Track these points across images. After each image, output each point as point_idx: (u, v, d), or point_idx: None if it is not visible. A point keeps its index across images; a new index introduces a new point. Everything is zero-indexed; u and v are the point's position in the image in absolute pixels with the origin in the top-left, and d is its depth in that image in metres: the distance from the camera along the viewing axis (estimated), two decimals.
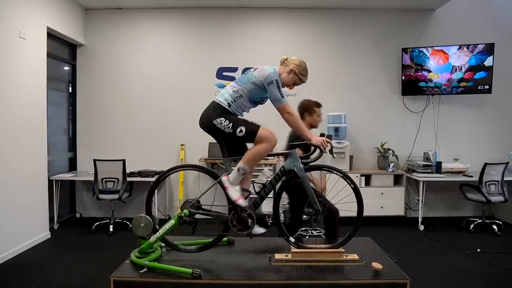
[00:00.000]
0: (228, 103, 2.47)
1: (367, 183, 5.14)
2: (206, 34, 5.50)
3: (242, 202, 2.46)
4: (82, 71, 5.52)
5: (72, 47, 5.43)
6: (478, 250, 3.95)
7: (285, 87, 2.62)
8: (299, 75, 2.53)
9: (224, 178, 2.49)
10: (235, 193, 2.47)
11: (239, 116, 2.54)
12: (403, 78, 5.36)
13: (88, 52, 5.49)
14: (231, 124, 2.41)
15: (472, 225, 4.79)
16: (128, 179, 4.79)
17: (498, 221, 4.86)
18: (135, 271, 2.28)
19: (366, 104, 5.52)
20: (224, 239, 2.70)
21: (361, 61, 5.51)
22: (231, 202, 2.54)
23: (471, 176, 4.89)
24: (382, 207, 5.05)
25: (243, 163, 2.45)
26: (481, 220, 4.85)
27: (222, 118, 2.43)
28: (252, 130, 2.42)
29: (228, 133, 2.42)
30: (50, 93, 4.80)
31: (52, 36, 4.76)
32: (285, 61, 2.56)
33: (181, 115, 5.41)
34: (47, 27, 4.49)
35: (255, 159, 2.46)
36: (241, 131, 2.40)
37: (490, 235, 4.57)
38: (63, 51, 5.29)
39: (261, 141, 2.42)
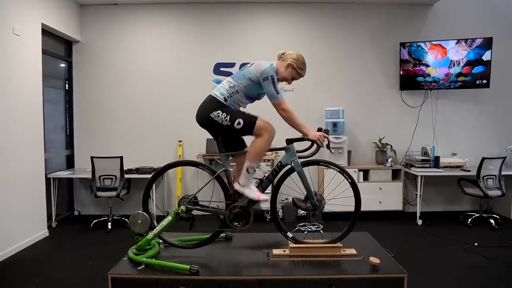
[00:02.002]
0: (224, 98, 2.45)
1: (365, 178, 5.14)
2: (203, 29, 5.47)
3: (264, 197, 2.46)
4: (78, 68, 5.48)
5: (68, 43, 5.40)
6: (476, 244, 3.97)
7: (284, 82, 2.61)
8: (297, 69, 2.51)
9: (236, 186, 2.47)
10: (252, 193, 2.45)
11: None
12: (401, 72, 5.35)
13: (84, 49, 5.46)
14: (229, 116, 2.39)
15: (469, 219, 4.80)
16: (126, 176, 4.77)
17: (495, 215, 4.87)
18: (133, 268, 2.28)
19: (364, 99, 5.52)
20: (221, 234, 2.70)
21: (359, 55, 5.50)
22: (229, 198, 2.53)
23: (469, 171, 4.90)
24: (380, 202, 5.05)
25: (249, 162, 2.43)
26: (478, 214, 4.86)
27: (219, 111, 2.41)
28: (251, 122, 2.40)
29: (226, 126, 2.40)
30: (46, 90, 4.77)
31: (47, 32, 4.73)
32: (283, 56, 2.54)
33: (178, 111, 5.39)
34: (42, 23, 4.45)
35: (259, 153, 2.44)
36: (239, 123, 2.39)
37: (488, 229, 4.58)
38: (58, 48, 5.25)
39: (260, 132, 2.40)
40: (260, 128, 2.40)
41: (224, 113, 2.40)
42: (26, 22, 4.18)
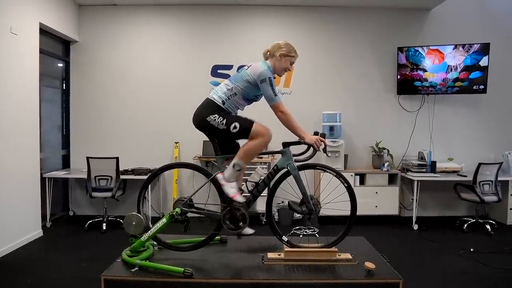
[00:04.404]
0: (222, 101, 2.46)
1: (362, 182, 5.14)
2: (201, 31, 5.46)
3: (239, 198, 2.45)
4: (76, 68, 5.46)
5: (66, 43, 5.38)
6: (472, 249, 3.96)
7: (286, 71, 2.60)
8: (288, 54, 2.52)
9: (219, 176, 2.48)
10: (231, 189, 2.46)
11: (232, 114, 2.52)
12: (399, 77, 5.36)
13: (81, 49, 5.44)
14: (225, 120, 2.40)
15: (465, 225, 4.80)
16: (122, 177, 4.75)
17: (491, 221, 4.87)
18: (126, 270, 2.26)
19: (361, 103, 5.52)
20: (216, 237, 2.69)
21: (356, 59, 5.50)
22: (224, 201, 2.52)
23: (465, 176, 4.90)
24: (376, 206, 5.05)
25: (238, 159, 2.44)
26: (474, 220, 4.86)
27: (216, 115, 2.41)
28: (246, 126, 2.41)
29: (222, 130, 2.41)
30: (43, 90, 4.75)
31: (44, 32, 4.70)
32: (269, 53, 2.56)
33: (175, 113, 5.37)
34: (40, 22, 4.43)
35: (250, 154, 2.45)
36: (235, 127, 2.39)
37: (484, 235, 4.58)
38: (56, 48, 5.23)
39: (256, 136, 2.41)
40: (256, 132, 2.40)
41: (220, 117, 2.41)
42: (24, 21, 4.16)
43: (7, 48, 3.90)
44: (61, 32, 4.94)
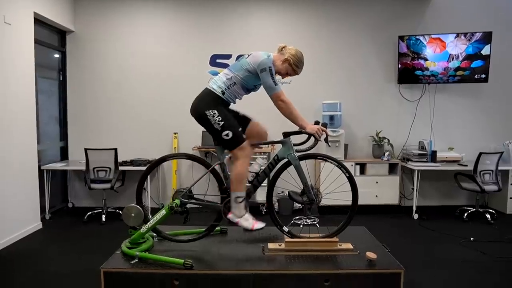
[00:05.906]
0: (222, 91, 2.41)
1: (362, 171, 5.13)
2: (199, 20, 5.38)
3: (259, 225, 2.42)
4: (73, 59, 5.39)
5: (61, 33, 5.29)
6: (472, 238, 3.97)
7: (277, 76, 2.56)
8: (293, 66, 2.46)
9: (230, 216, 2.43)
10: (247, 223, 2.42)
11: (233, 107, 2.45)
12: (399, 66, 5.30)
13: (78, 39, 5.36)
14: (222, 123, 2.35)
15: (465, 214, 4.80)
16: (120, 168, 4.72)
17: (491, 210, 4.87)
18: (126, 262, 2.25)
19: (361, 92, 5.47)
20: (216, 228, 2.67)
21: (357, 48, 5.44)
22: (224, 191, 2.51)
23: (466, 165, 4.89)
24: (376, 196, 5.04)
25: (234, 191, 2.40)
26: (474, 209, 4.86)
27: (216, 112, 2.36)
28: (237, 140, 2.38)
29: (215, 129, 2.37)
30: (39, 81, 4.69)
31: (40, 22, 4.63)
32: (283, 49, 2.49)
33: (174, 103, 5.32)
34: (34, 12, 4.35)
35: (241, 179, 2.40)
36: (227, 135, 2.36)
37: (484, 224, 4.58)
38: (52, 38, 5.15)
39: (239, 153, 2.37)
40: (242, 149, 2.38)
41: (219, 117, 2.36)
42: (18, 11, 4.08)
43: (1, 38, 3.83)
44: (56, 22, 4.85)
